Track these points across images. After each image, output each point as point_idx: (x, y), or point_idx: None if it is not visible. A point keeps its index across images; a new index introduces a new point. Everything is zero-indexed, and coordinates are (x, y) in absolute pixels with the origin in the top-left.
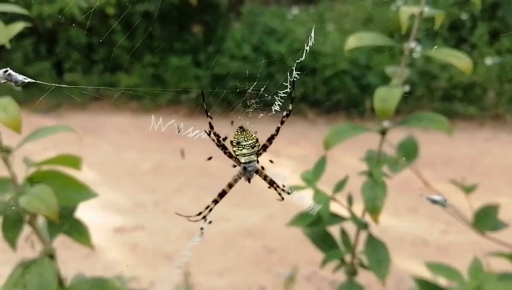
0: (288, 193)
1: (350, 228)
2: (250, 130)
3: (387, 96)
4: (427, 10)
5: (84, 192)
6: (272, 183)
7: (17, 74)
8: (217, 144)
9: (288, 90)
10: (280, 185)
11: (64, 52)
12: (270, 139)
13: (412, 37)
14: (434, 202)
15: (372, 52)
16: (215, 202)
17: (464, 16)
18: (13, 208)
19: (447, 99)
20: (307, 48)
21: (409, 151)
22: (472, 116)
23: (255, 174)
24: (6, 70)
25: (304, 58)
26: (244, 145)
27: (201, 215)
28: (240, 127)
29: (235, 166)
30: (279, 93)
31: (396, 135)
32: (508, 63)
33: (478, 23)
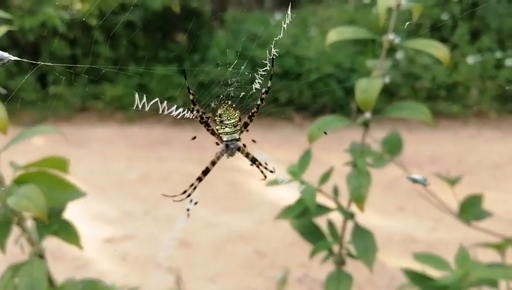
0: (271, 172)
1: (337, 220)
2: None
3: (367, 88)
4: (404, 2)
5: (72, 191)
6: (254, 161)
7: (1, 51)
8: (200, 120)
9: (267, 68)
10: (263, 163)
11: (46, 66)
12: (251, 117)
13: (391, 29)
14: (415, 181)
15: (356, 54)
16: (199, 179)
17: (445, 16)
18: (1, 210)
19: (431, 99)
20: (284, 26)
21: (393, 146)
22: (456, 115)
23: (237, 151)
24: None
25: (281, 36)
26: (227, 124)
27: (186, 194)
28: (223, 106)
29: (218, 144)
30: (259, 71)
31: (383, 133)
32: (489, 61)
33: (458, 23)
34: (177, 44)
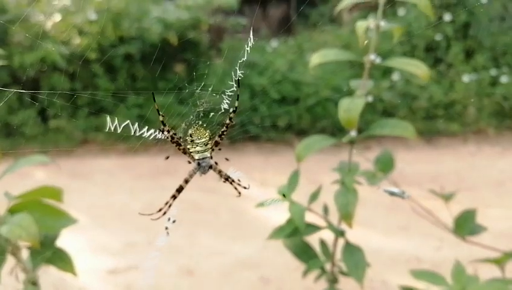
0: (245, 188)
1: (329, 238)
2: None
3: (350, 107)
4: (383, 24)
5: (64, 219)
6: (227, 178)
7: None
8: (171, 140)
9: (234, 88)
10: (236, 180)
11: (48, 99)
12: (221, 136)
13: (372, 50)
14: (392, 194)
15: (352, 77)
16: (174, 197)
17: (438, 37)
18: None
19: (429, 118)
20: (248, 49)
21: (385, 164)
22: (455, 133)
23: (209, 169)
24: None
25: (245, 58)
26: (198, 143)
27: (162, 212)
28: (194, 126)
29: (190, 162)
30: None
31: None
32: (484, 79)
33: (452, 43)
34: (175, 74)
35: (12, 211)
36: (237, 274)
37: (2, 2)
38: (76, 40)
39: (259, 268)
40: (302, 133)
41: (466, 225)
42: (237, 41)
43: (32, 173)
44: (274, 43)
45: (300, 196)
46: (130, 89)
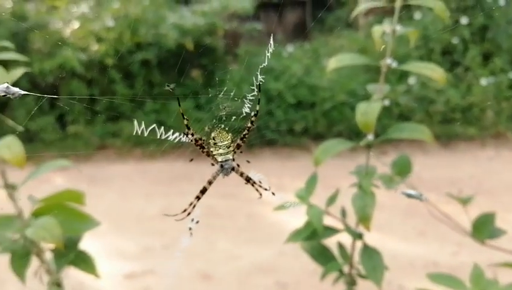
0: (266, 189)
1: (346, 242)
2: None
3: (367, 110)
4: (399, 28)
5: (87, 222)
6: (248, 180)
7: (13, 87)
8: (195, 143)
9: (255, 93)
10: (257, 182)
11: (66, 105)
12: (243, 138)
13: (388, 54)
14: (409, 196)
15: (368, 82)
16: (198, 198)
17: (455, 40)
18: (21, 241)
19: (447, 122)
20: (268, 55)
21: (402, 168)
22: (473, 137)
23: (232, 171)
24: (6, 85)
25: (266, 63)
26: (220, 145)
27: (186, 212)
28: (217, 129)
29: (213, 164)
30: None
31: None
32: (502, 82)
33: (469, 46)
34: (192, 80)
35: (36, 214)
36: (254, 279)
37: (23, 10)
38: (94, 47)
39: (275, 273)
40: (318, 137)
41: (485, 229)
42: (252, 47)
43: (51, 178)
44: (290, 48)
45: (317, 200)
46: (146, 95)
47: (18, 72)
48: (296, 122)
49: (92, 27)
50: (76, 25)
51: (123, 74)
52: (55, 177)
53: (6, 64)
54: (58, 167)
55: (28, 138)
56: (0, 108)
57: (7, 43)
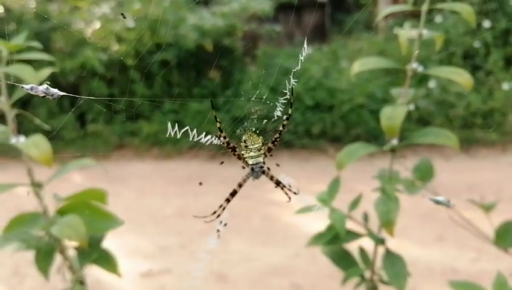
0: (295, 193)
1: (368, 246)
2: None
3: (392, 115)
4: (425, 33)
5: (111, 221)
6: (278, 183)
7: (52, 88)
8: (226, 146)
9: (287, 96)
10: (286, 185)
11: (86, 104)
12: (274, 142)
13: (414, 59)
14: (437, 202)
15: (387, 85)
16: (228, 200)
17: (477, 44)
18: (46, 239)
19: (467, 127)
20: (301, 58)
21: (424, 173)
22: (494, 142)
23: (262, 174)
24: (46, 86)
25: (299, 67)
26: (251, 148)
27: (216, 214)
28: (248, 132)
29: (244, 167)
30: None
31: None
32: None
33: (491, 50)
34: (210, 80)
35: (61, 212)
36: (268, 280)
37: (46, 10)
38: (115, 47)
39: (291, 275)
40: (335, 140)
41: (508, 236)
42: (271, 48)
43: (71, 177)
44: (308, 50)
45: (337, 203)
46: (165, 95)
47: (46, 72)
48: (314, 124)
49: (113, 27)
50: (97, 25)
51: (142, 73)
52: (74, 176)
53: (30, 64)
54: (83, 165)
55: (48, 137)
56: (22, 106)
57: (35, 43)
